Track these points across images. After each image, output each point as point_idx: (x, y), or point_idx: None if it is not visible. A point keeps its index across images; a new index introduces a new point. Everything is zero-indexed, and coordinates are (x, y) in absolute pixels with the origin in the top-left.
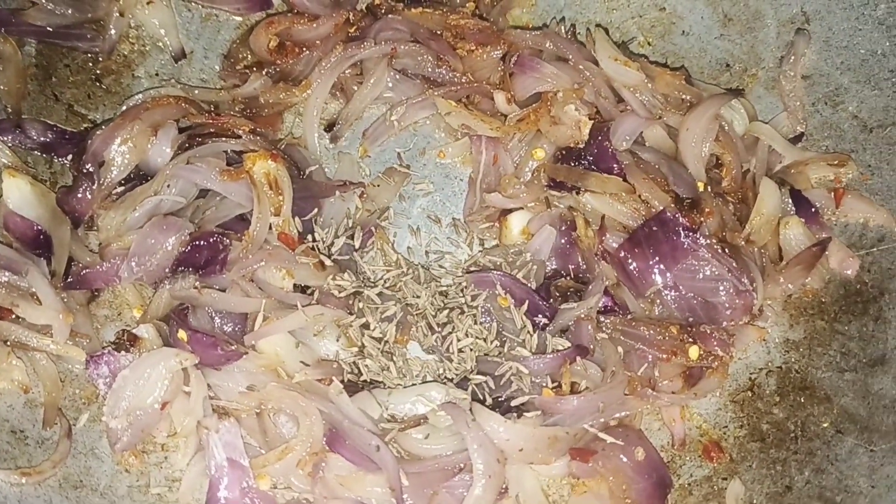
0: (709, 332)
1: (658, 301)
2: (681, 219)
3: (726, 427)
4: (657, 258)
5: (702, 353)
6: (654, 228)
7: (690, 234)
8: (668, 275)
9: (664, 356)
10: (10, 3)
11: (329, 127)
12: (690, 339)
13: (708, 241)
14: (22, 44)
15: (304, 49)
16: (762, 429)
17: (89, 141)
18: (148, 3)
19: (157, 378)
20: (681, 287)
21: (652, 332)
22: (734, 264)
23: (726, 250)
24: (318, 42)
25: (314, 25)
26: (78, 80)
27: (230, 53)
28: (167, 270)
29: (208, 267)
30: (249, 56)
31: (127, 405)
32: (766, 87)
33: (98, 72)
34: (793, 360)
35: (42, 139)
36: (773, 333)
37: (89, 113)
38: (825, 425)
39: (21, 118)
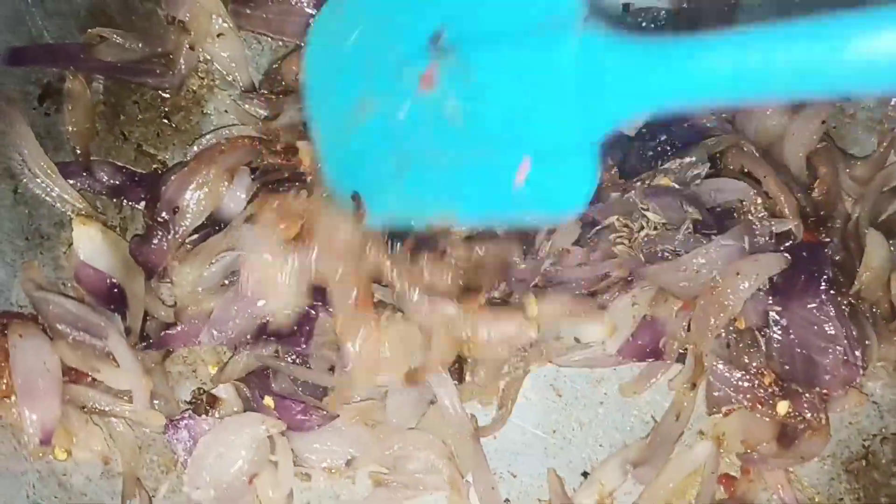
0: (801, 391)
1: (763, 336)
2: (830, 259)
3: (841, 499)
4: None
5: (790, 410)
6: (805, 254)
7: (829, 280)
8: (788, 312)
9: (749, 404)
10: (78, 39)
11: None
12: (780, 394)
13: (839, 298)
14: (90, 81)
15: None
16: (880, 501)
17: (163, 187)
18: (218, 36)
19: (241, 446)
20: (792, 332)
21: (741, 376)
22: (853, 331)
23: (847, 311)
24: None
25: None
26: (147, 117)
27: (266, 78)
28: (248, 336)
29: (291, 338)
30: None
31: (209, 475)
32: (864, 128)
33: (167, 109)
34: None
35: (111, 182)
36: (886, 396)
37: (158, 153)
38: None
39: (90, 160)
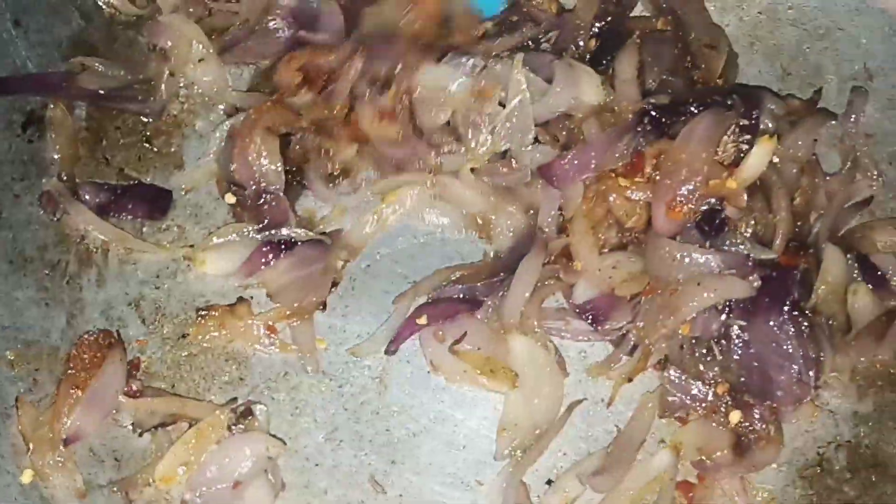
0: (752, 402)
1: (720, 347)
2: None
3: None
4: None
5: (741, 420)
6: (775, 275)
7: (793, 302)
8: (750, 327)
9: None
10: (60, 67)
11: None
12: (733, 404)
13: (801, 319)
14: (72, 108)
15: (329, 79)
16: None
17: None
18: (199, 62)
19: (243, 460)
20: (752, 347)
21: (697, 386)
22: (809, 352)
23: (805, 331)
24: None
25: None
26: (128, 142)
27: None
28: None
29: None
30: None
31: (205, 483)
32: (827, 144)
33: (148, 133)
34: (862, 434)
35: (97, 201)
36: (841, 406)
37: (140, 176)
38: None
39: (75, 183)
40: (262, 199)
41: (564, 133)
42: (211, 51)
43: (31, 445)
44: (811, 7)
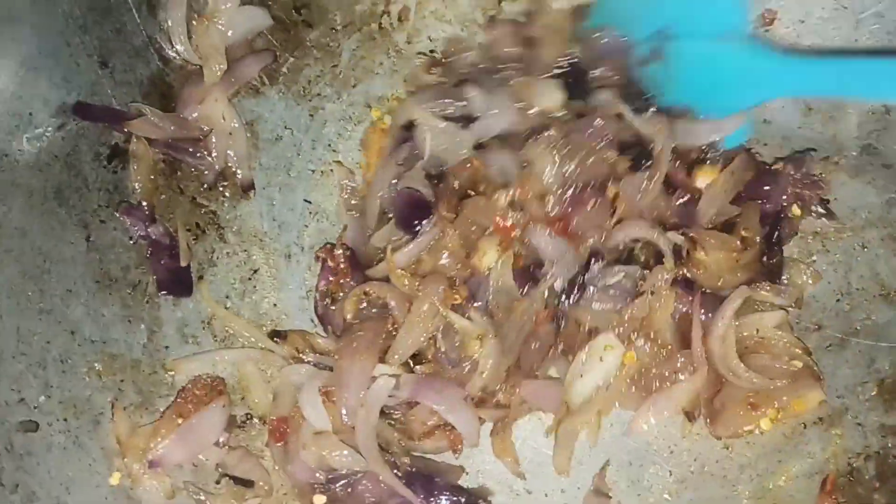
0: None
1: None
2: None
3: None
4: None
5: None
6: None
7: None
8: None
9: None
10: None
11: None
12: None
13: None
14: (151, 141)
15: None
16: None
17: None
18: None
19: None
20: None
21: None
22: None
23: None
24: None
25: None
26: (200, 173)
27: None
28: None
29: None
30: None
31: None
32: (849, 174)
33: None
34: (890, 444)
35: (155, 238)
36: (869, 418)
37: (210, 204)
38: None
39: (154, 213)
40: None
41: None
42: (238, 124)
43: (123, 450)
44: (831, 47)
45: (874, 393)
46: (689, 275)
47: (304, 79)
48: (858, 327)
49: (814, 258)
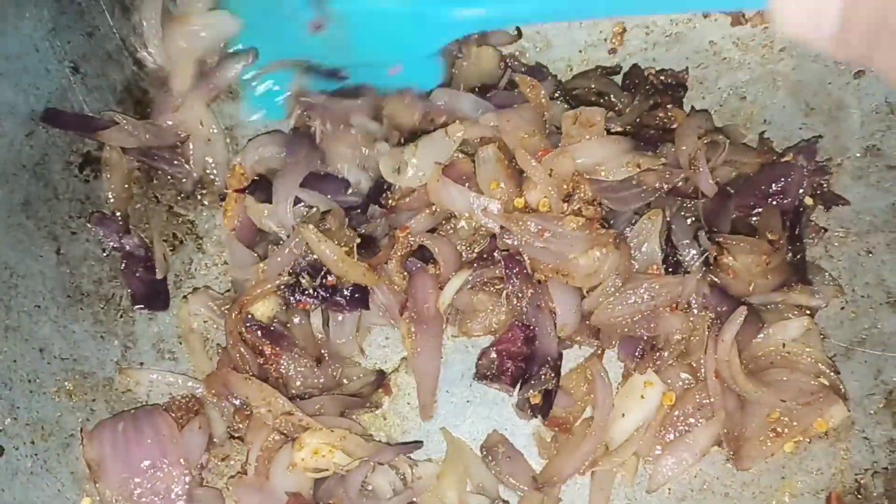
0: None
1: None
2: None
3: None
4: None
5: None
6: None
7: None
8: None
9: None
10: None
11: None
12: None
13: None
14: (126, 149)
15: None
16: None
17: None
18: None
19: None
20: None
21: None
22: None
23: None
24: None
25: None
26: (177, 180)
27: None
28: None
29: None
30: None
31: None
32: (852, 176)
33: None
34: None
35: (130, 250)
36: (876, 432)
37: (188, 213)
38: None
39: (128, 223)
40: None
41: None
42: (217, 130)
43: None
44: None
45: (882, 405)
46: (718, 281)
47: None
48: (864, 336)
49: (817, 264)
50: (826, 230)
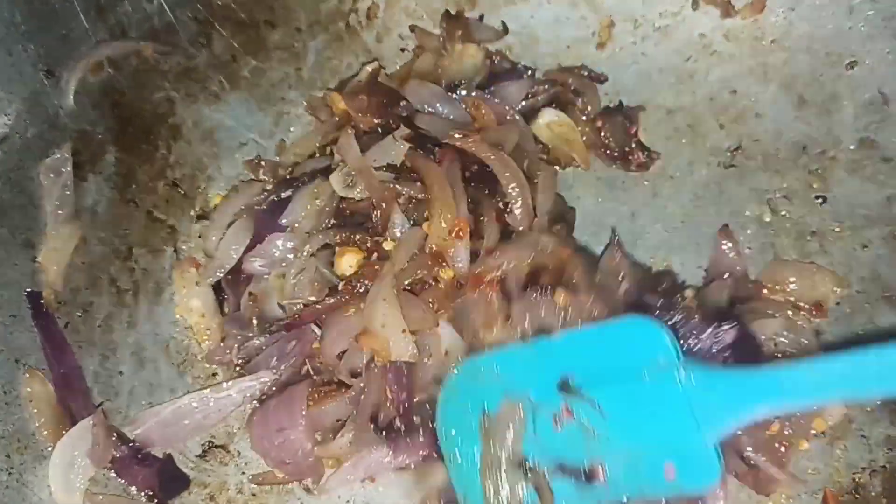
0: None
1: None
2: None
3: None
4: None
5: None
6: None
7: None
8: None
9: None
10: (91, 115)
11: None
12: None
13: None
14: (103, 153)
15: None
16: None
17: None
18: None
19: None
20: None
21: None
22: None
23: None
24: None
25: None
26: (156, 185)
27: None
28: None
29: None
30: None
31: None
32: (846, 169)
33: (176, 177)
34: None
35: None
36: (873, 430)
37: (168, 218)
38: None
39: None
40: None
41: None
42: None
43: None
44: (823, 34)
45: (879, 403)
46: None
47: (268, 82)
48: (860, 332)
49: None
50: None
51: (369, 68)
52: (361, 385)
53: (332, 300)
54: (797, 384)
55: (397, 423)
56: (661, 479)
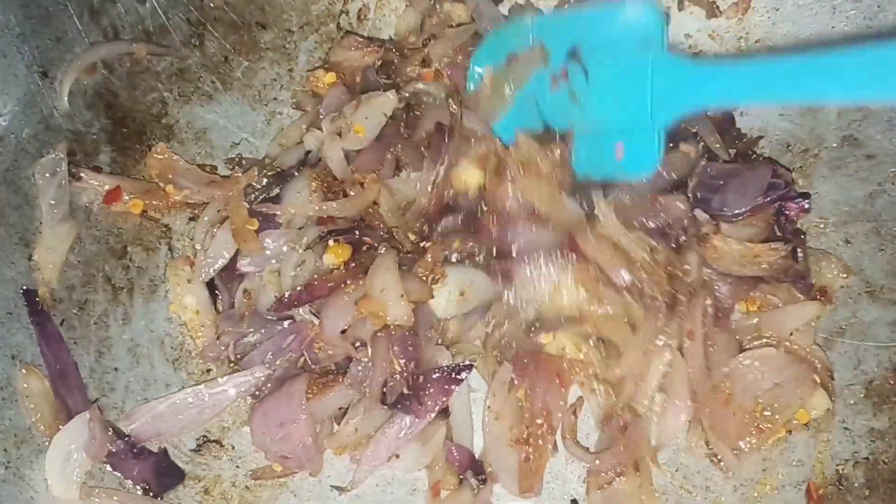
0: None
1: None
2: None
3: None
4: None
5: None
6: None
7: None
8: None
9: None
10: (84, 117)
11: None
12: None
13: None
14: (97, 153)
15: None
16: None
17: None
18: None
19: None
20: None
21: None
22: None
23: None
24: None
25: None
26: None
27: None
28: None
29: None
30: None
31: None
32: (829, 166)
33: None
34: (880, 450)
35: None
36: (857, 422)
37: (162, 217)
38: None
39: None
40: None
41: None
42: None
43: None
44: (807, 34)
45: (862, 395)
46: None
47: (259, 83)
48: (844, 327)
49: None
50: (804, 234)
51: None
52: (366, 360)
53: (331, 283)
54: (748, 79)
55: (405, 392)
56: (612, 157)
